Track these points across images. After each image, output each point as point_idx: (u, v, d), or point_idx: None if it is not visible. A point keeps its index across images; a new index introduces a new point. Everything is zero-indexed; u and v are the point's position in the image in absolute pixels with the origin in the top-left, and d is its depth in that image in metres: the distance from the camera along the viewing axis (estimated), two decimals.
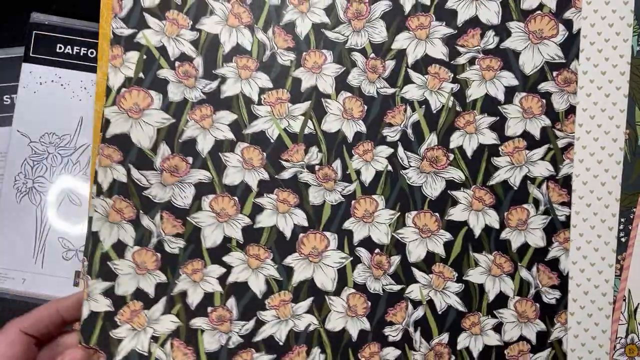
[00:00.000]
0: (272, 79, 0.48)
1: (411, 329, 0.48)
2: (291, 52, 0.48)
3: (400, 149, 0.48)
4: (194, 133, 0.48)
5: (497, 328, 0.48)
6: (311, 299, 0.47)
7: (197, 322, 0.47)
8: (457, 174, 0.48)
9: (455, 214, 0.48)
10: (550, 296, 0.48)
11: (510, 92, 0.48)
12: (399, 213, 0.48)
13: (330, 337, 0.47)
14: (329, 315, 0.47)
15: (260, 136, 0.48)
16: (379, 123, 0.48)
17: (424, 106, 0.48)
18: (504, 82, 0.48)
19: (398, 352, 0.48)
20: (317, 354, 0.47)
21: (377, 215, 0.48)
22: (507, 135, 0.48)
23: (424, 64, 0.48)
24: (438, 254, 0.48)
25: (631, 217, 0.47)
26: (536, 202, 0.48)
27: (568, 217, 0.48)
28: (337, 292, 0.48)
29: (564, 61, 0.48)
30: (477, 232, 0.48)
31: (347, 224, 0.48)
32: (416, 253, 0.48)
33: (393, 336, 0.48)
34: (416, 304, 0.48)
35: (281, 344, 0.47)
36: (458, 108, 0.48)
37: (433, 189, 0.48)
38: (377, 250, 0.48)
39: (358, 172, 0.48)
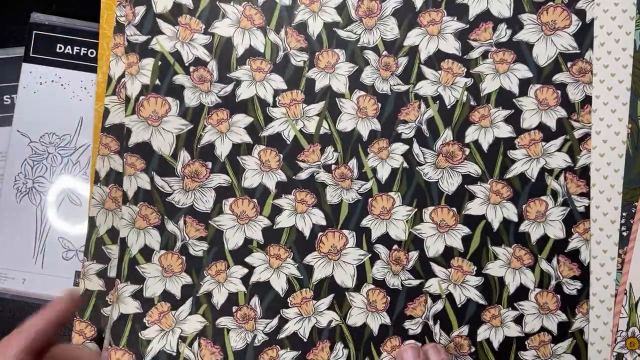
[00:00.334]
0: (286, 80, 0.49)
1: (431, 322, 0.48)
2: (304, 52, 0.49)
3: (416, 145, 0.48)
4: (211, 138, 0.49)
5: (518, 320, 0.48)
6: (332, 295, 0.48)
7: (223, 321, 0.49)
8: (473, 169, 0.48)
9: (473, 208, 0.48)
10: (572, 287, 0.48)
11: (524, 84, 0.48)
12: (416, 209, 0.48)
13: (352, 332, 0.49)
14: (350, 311, 0.49)
15: (276, 138, 0.49)
16: (394, 120, 0.48)
17: (438, 102, 0.48)
18: (518, 75, 0.48)
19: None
20: (340, 349, 0.48)
21: (394, 212, 0.48)
22: (522, 127, 0.48)
23: (436, 60, 0.48)
24: (456, 248, 0.48)
25: (632, 210, 0.47)
26: (554, 194, 0.48)
27: (587, 208, 0.48)
28: (357, 289, 0.49)
29: (578, 51, 0.48)
30: (496, 225, 0.48)
31: (365, 222, 0.49)
32: (434, 248, 0.48)
33: (413, 329, 0.48)
34: (435, 297, 0.48)
35: (305, 340, 0.49)
36: (472, 102, 0.48)
37: (450, 184, 0.48)
38: (395, 247, 0.48)
39: (374, 170, 0.49)
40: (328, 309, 0.49)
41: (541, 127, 0.48)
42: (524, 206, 0.48)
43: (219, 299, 0.49)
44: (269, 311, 0.49)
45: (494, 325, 0.48)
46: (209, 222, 0.48)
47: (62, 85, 0.53)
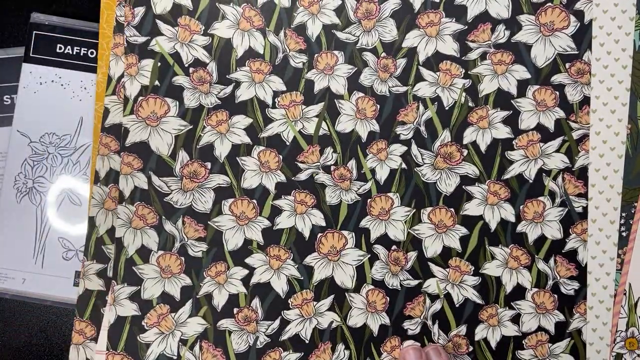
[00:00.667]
0: (285, 81, 0.49)
1: (429, 322, 0.49)
2: (303, 54, 0.49)
3: (414, 147, 0.49)
4: (211, 138, 0.49)
5: (515, 319, 0.49)
6: (332, 296, 0.49)
7: (225, 323, 0.49)
8: (471, 169, 0.49)
9: (471, 208, 0.49)
10: (569, 287, 0.48)
11: (523, 85, 0.48)
12: (415, 210, 0.49)
13: (352, 333, 0.49)
14: (350, 312, 0.49)
15: (275, 139, 0.49)
16: (392, 121, 0.49)
17: (436, 103, 0.49)
18: (516, 76, 0.48)
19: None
20: (342, 350, 0.49)
21: (392, 212, 0.49)
22: (520, 128, 0.48)
23: (435, 61, 0.48)
24: (454, 248, 0.49)
25: (632, 211, 0.47)
26: (552, 195, 0.48)
27: (585, 209, 0.48)
28: (357, 289, 0.49)
29: (576, 52, 0.48)
30: (493, 226, 0.49)
31: (364, 222, 0.49)
32: (432, 248, 0.49)
33: (412, 329, 0.49)
34: (434, 297, 0.49)
35: (307, 341, 0.49)
36: (470, 104, 0.48)
37: (448, 184, 0.49)
38: (393, 247, 0.49)
39: (373, 171, 0.49)
40: (328, 310, 0.49)
41: (539, 128, 0.48)
42: (521, 207, 0.48)
43: (220, 300, 0.49)
44: (270, 313, 0.49)
45: (491, 324, 0.49)
46: (208, 222, 0.49)
47: (62, 85, 0.53)
